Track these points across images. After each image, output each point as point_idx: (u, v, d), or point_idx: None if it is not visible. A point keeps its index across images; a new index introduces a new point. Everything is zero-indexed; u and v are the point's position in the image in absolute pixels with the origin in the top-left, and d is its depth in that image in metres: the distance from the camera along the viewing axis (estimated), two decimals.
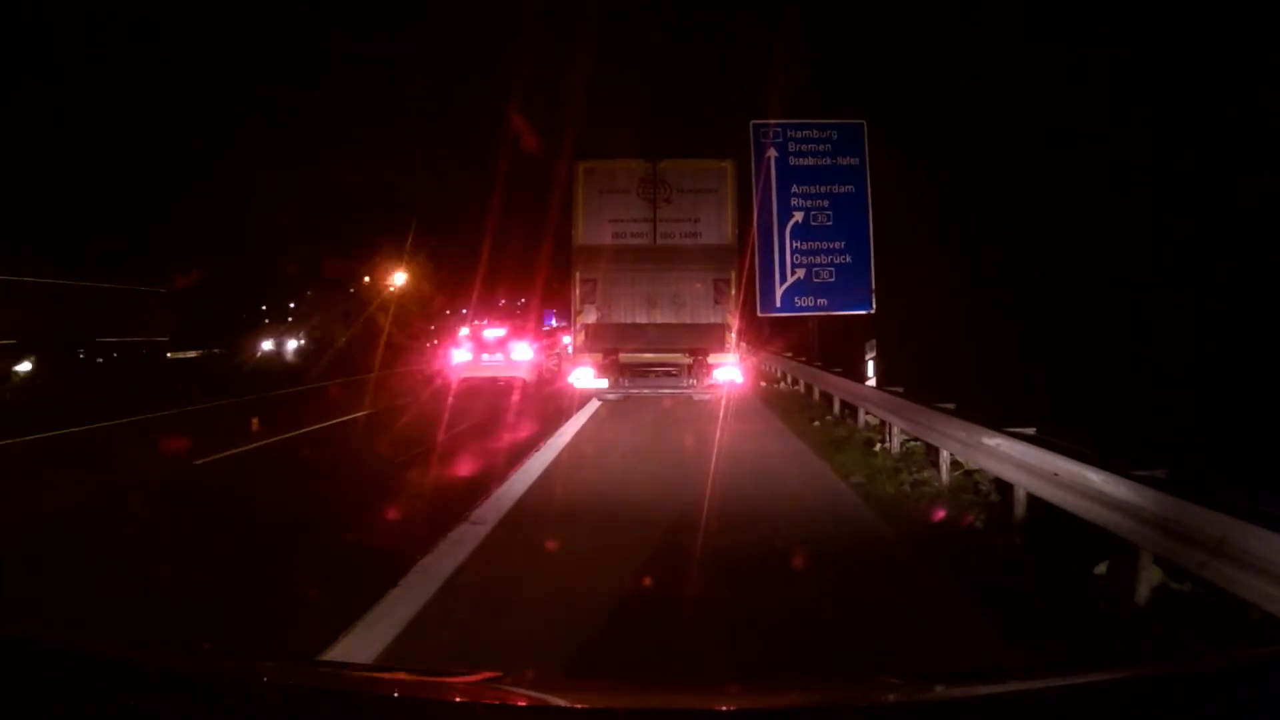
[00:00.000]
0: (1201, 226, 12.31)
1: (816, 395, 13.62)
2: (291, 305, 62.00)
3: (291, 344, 44.30)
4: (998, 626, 4.12)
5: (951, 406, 7.53)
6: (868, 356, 11.09)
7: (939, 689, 1.68)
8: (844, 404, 11.57)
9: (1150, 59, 13.80)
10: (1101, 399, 10.37)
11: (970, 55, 17.36)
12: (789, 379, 16.84)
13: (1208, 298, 11.66)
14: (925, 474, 7.50)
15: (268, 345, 41.97)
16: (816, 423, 11.23)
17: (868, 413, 10.20)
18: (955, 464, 7.13)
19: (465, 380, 17.67)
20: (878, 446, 8.91)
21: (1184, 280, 12.16)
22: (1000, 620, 4.17)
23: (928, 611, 4.40)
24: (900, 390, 9.17)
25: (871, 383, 10.63)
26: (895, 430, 8.65)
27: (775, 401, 14.90)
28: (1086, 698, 1.44)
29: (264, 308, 55.08)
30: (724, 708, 1.61)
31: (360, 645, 3.72)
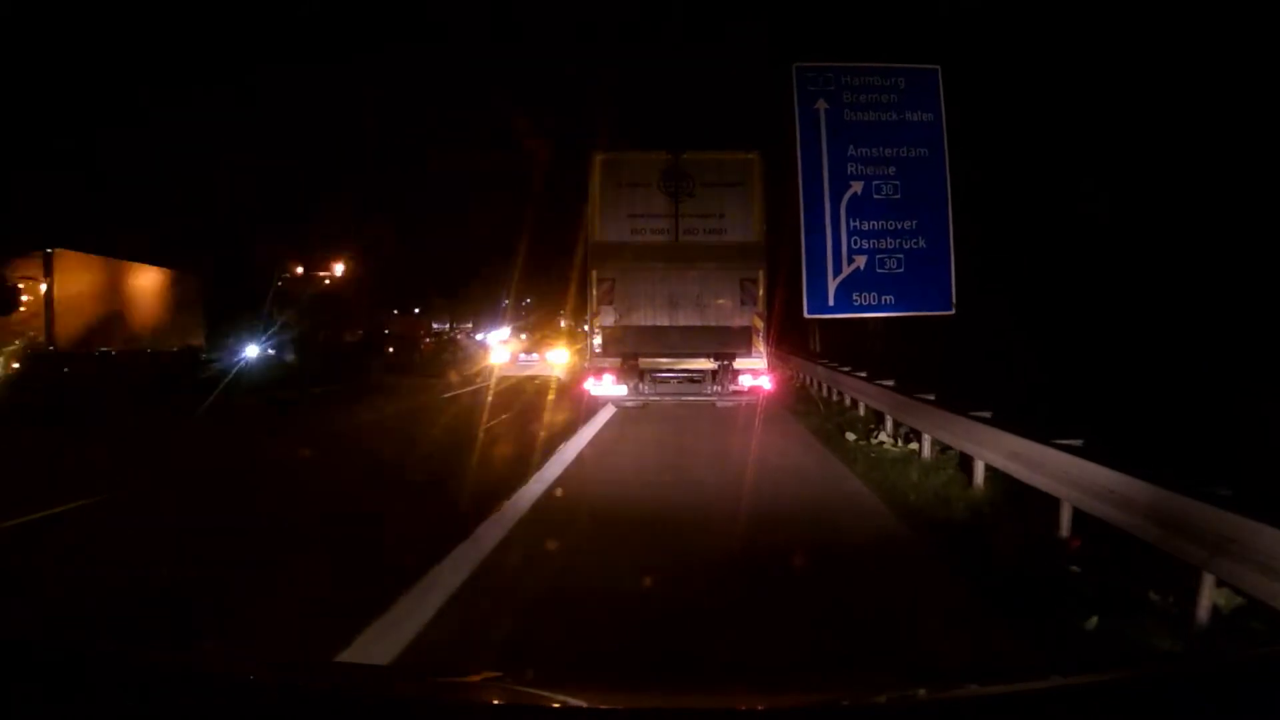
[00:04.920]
0: None
1: (979, 478, 9.22)
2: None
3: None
4: None
5: None
6: None
7: (940, 689, 2.02)
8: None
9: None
10: None
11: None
12: (910, 437, 11.70)
13: None
14: None
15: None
16: None
17: None
18: None
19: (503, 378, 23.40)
20: None
21: None
22: None
23: None
24: None
25: None
26: None
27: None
28: (1086, 698, 1.74)
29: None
30: (727, 707, 1.95)
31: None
